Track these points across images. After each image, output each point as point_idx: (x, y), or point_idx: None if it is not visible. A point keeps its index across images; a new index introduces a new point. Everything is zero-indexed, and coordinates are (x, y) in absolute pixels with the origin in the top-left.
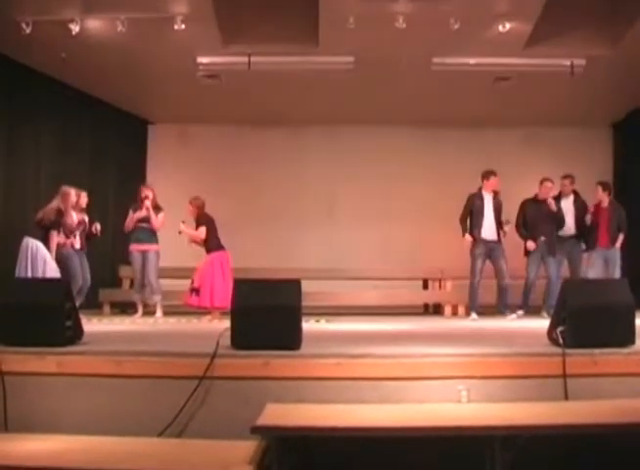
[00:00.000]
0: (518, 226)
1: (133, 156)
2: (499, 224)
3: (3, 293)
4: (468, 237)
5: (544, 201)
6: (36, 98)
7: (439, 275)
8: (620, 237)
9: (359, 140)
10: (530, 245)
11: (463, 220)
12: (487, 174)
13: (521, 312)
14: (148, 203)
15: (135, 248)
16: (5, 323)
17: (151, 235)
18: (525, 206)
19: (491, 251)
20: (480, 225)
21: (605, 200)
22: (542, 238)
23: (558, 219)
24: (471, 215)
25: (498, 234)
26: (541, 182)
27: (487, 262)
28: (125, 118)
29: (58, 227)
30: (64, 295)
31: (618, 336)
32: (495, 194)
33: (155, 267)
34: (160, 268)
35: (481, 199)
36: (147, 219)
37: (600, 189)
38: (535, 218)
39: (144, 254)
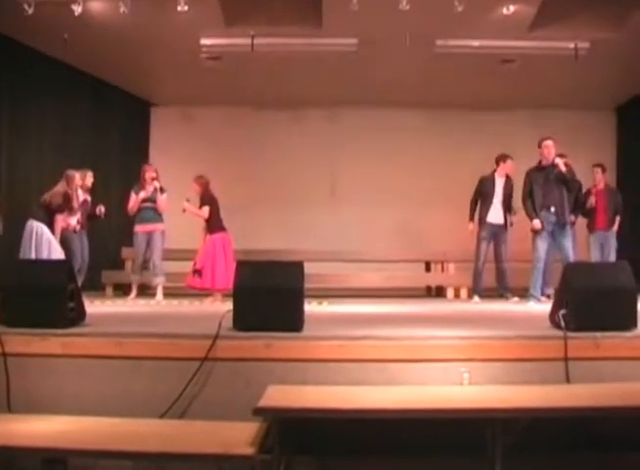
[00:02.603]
0: (524, 199)
1: (136, 138)
2: (508, 209)
3: (6, 274)
4: (470, 226)
5: (551, 165)
6: (38, 79)
7: (442, 257)
8: (617, 220)
9: (362, 122)
10: (537, 224)
11: (472, 203)
12: (504, 157)
13: (544, 298)
14: (157, 183)
15: (140, 228)
16: (8, 304)
17: (156, 215)
18: (531, 176)
19: (495, 235)
20: (487, 209)
21: (602, 182)
22: (552, 209)
23: (566, 182)
24: (480, 198)
25: (505, 219)
26: (540, 144)
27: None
28: (128, 100)
29: (64, 210)
30: (66, 276)
31: (621, 319)
32: (508, 178)
33: (160, 248)
34: (163, 250)
35: (492, 182)
36: (153, 199)
37: (600, 171)
38: (543, 187)
39: (149, 234)
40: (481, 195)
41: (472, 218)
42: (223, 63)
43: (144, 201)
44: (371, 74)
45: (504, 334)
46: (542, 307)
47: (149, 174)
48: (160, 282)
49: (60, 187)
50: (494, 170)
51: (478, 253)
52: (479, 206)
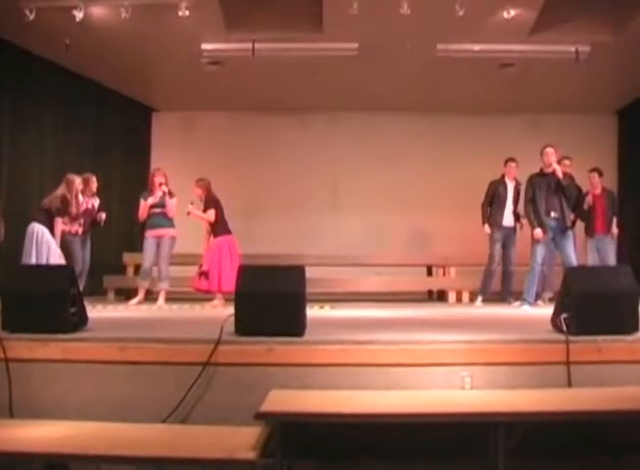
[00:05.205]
0: (526, 204)
1: (138, 143)
2: (516, 213)
3: (8, 279)
4: (487, 228)
5: (552, 173)
6: (40, 85)
7: (444, 262)
8: (614, 222)
9: (363, 127)
10: (538, 233)
11: (485, 207)
12: (505, 161)
13: (540, 302)
14: (165, 188)
15: (150, 234)
16: (10, 310)
17: (166, 220)
18: (534, 182)
19: (506, 237)
20: (502, 212)
21: (599, 186)
22: (553, 215)
23: (562, 188)
24: (492, 202)
25: (515, 222)
26: (542, 152)
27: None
28: (130, 106)
29: (63, 214)
30: (68, 281)
31: (623, 323)
32: (517, 183)
33: (168, 253)
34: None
35: (505, 186)
36: (161, 205)
37: (596, 176)
38: (546, 194)
39: (159, 239)
40: (496, 198)
41: (486, 221)
42: (224, 68)
43: (153, 206)
44: (372, 79)
45: (506, 338)
46: (537, 311)
47: (157, 179)
48: (163, 287)
49: (59, 191)
50: (503, 175)
51: (492, 254)
52: (492, 210)
